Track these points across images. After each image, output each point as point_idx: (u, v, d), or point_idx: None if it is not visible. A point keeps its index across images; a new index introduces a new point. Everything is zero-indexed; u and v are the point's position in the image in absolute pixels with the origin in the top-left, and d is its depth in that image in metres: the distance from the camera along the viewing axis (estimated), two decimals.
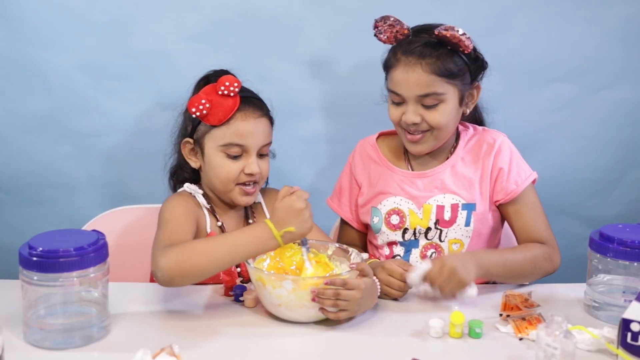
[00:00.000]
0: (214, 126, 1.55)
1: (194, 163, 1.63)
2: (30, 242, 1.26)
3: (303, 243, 1.44)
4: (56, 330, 1.27)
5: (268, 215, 1.62)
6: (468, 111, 1.65)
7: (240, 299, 1.46)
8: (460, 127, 1.71)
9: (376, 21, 1.62)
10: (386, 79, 1.64)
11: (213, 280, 1.59)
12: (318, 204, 1.85)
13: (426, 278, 1.44)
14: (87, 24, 1.92)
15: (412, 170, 1.70)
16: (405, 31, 1.60)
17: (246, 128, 1.55)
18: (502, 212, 1.67)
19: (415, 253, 1.67)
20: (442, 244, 1.65)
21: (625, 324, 1.17)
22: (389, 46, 1.64)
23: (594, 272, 1.45)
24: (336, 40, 1.97)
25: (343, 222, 1.80)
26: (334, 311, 1.34)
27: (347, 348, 1.30)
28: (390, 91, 1.62)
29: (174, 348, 1.17)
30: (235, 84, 1.54)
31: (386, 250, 1.71)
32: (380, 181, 1.71)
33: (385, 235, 1.69)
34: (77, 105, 1.97)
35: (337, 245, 1.53)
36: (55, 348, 1.26)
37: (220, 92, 1.54)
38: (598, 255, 1.42)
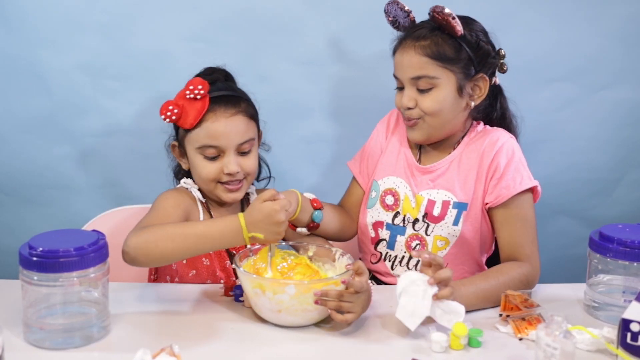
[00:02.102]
0: (189, 130, 1.56)
1: (184, 165, 1.65)
2: (31, 242, 1.26)
3: (269, 249, 1.43)
4: (56, 330, 1.27)
5: None
6: (473, 104, 1.60)
7: (240, 299, 1.46)
8: (473, 124, 1.68)
9: (387, 5, 1.63)
10: None
11: (210, 279, 1.59)
12: None
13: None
14: (87, 24, 1.91)
15: (419, 159, 1.69)
16: (412, 18, 1.62)
17: (217, 128, 1.54)
18: (491, 218, 1.60)
19: (400, 240, 1.65)
20: (427, 238, 1.62)
21: (625, 324, 1.17)
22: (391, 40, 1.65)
23: (593, 272, 1.45)
24: (336, 40, 1.97)
25: (354, 181, 1.77)
26: (340, 314, 1.32)
27: (347, 348, 1.30)
28: (394, 76, 1.63)
29: (174, 348, 1.17)
30: (200, 87, 1.52)
31: (372, 233, 1.69)
32: (392, 155, 1.70)
33: (377, 212, 1.67)
34: (77, 105, 1.97)
35: (319, 245, 1.52)
36: (55, 348, 1.26)
37: (187, 97, 1.54)
38: (598, 255, 1.42)
